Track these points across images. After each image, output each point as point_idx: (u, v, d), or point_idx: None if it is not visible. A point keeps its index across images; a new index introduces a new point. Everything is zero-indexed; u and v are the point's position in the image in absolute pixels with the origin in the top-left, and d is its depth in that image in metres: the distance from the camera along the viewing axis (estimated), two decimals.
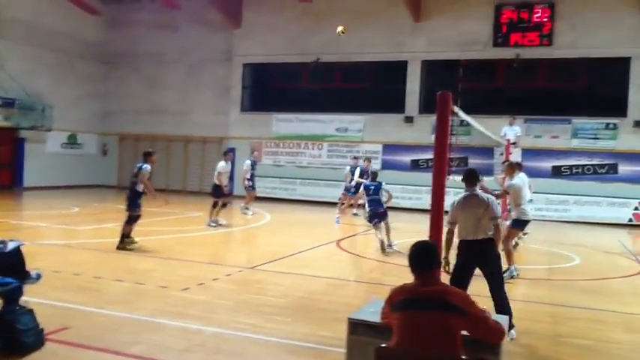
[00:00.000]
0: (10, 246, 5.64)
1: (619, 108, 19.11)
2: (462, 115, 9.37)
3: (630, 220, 18.31)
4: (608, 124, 19.17)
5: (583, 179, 19.06)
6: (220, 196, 14.14)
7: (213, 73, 24.27)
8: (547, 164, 19.35)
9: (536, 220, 14.74)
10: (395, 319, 3.45)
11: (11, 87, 20.97)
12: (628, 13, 18.87)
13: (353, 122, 21.99)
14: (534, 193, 13.66)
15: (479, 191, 6.25)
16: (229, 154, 14.98)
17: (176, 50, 24.69)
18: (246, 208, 16.64)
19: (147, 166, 10.29)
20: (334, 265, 10.13)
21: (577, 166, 19.22)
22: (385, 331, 3.56)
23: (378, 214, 11.29)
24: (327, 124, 22.27)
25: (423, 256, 3.59)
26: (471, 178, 6.24)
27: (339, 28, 11.08)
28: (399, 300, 3.49)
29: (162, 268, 8.96)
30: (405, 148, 20.70)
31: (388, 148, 21.19)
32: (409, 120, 21.04)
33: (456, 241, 6.03)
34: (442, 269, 5.78)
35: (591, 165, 19.17)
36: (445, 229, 5.82)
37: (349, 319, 4.03)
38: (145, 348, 5.28)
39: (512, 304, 7.57)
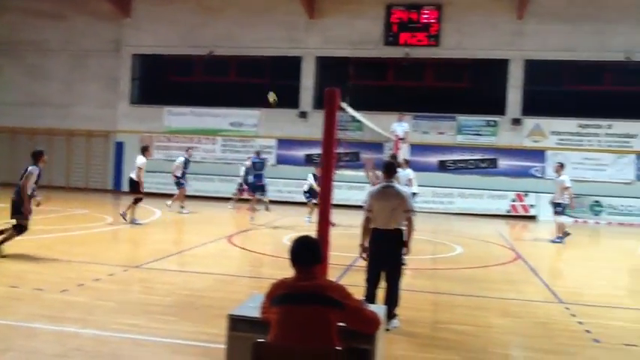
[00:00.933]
0: None
1: (498, 107, 20.35)
2: (351, 112, 9.58)
3: (508, 211, 19.60)
4: (488, 121, 20.36)
5: (466, 173, 20.14)
6: (138, 192, 13.70)
7: (101, 63, 23.17)
8: (434, 159, 20.25)
9: (422, 212, 15.44)
10: (273, 314, 3.45)
11: None
12: (507, 18, 20.11)
13: (248, 117, 21.85)
14: (420, 186, 14.28)
15: (396, 184, 6.46)
16: (149, 150, 14.97)
17: (60, 39, 23.34)
18: (182, 207, 16.42)
19: (33, 169, 9.17)
20: (224, 261, 10.03)
21: (461, 161, 20.27)
22: (265, 326, 3.54)
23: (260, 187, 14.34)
24: (222, 119, 21.98)
25: (302, 251, 3.60)
26: (389, 169, 6.49)
27: (271, 98, 10.78)
28: (278, 294, 3.49)
29: (40, 270, 8.44)
30: (299, 143, 20.86)
31: (283, 143, 21.26)
32: (303, 115, 21.23)
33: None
34: (360, 255, 6.34)
35: (474, 160, 20.28)
36: (363, 217, 6.25)
37: (229, 315, 3.98)
38: (17, 355, 4.97)
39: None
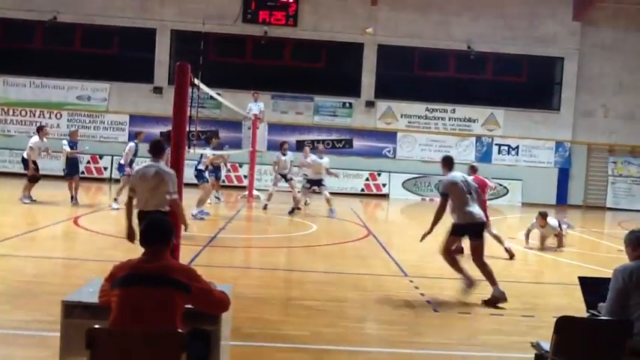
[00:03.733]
0: None
1: (354, 89, 21.00)
2: (205, 88, 9.34)
3: (362, 189, 20.41)
4: (344, 103, 20.95)
5: (324, 153, 20.57)
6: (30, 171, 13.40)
7: None
8: (292, 139, 20.44)
9: (281, 191, 15.58)
10: (114, 297, 3.26)
11: None
12: (362, 3, 20.70)
13: (96, 90, 20.51)
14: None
15: (161, 164, 6.22)
16: (44, 129, 14.01)
17: None
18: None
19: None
20: (69, 244, 9.45)
21: (318, 141, 20.66)
22: (103, 312, 3.34)
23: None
24: (67, 91, 20.42)
25: (149, 231, 3.46)
26: (155, 148, 6.26)
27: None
28: (121, 276, 3.31)
29: None
30: (153, 119, 19.98)
31: (135, 119, 20.26)
32: (158, 91, 20.39)
33: None
34: (127, 238, 6.02)
35: (330, 140, 20.79)
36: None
37: (64, 301, 3.72)
38: None
39: (248, 272, 7.88)
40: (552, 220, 10.78)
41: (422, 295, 7.06)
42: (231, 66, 20.85)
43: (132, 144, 13.44)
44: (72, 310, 3.71)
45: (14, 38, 21.00)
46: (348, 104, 21.01)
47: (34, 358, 4.57)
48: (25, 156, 13.59)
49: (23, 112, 20.25)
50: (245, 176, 18.92)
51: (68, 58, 20.82)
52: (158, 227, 3.50)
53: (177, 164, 7.20)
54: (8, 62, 20.58)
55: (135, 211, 6.12)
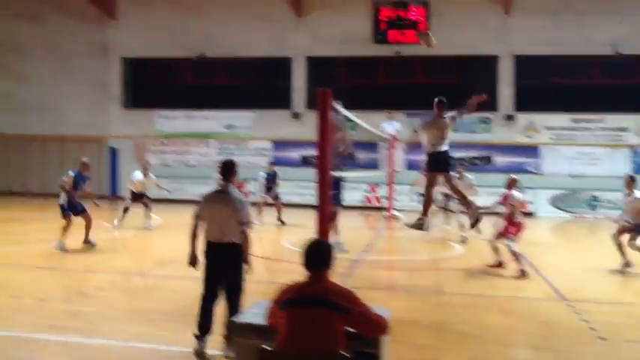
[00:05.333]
0: None
1: (491, 103, 20.40)
2: (344, 112, 9.61)
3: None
4: (482, 117, 20.43)
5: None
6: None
7: (89, 67, 22.89)
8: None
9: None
10: (281, 319, 3.47)
11: None
12: (493, 13, 20.19)
13: (240, 119, 21.82)
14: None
15: (233, 188, 5.52)
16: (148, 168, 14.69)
17: (42, 42, 23.07)
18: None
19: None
20: None
21: (457, 158, 20.32)
22: (270, 332, 3.56)
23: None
24: (214, 121, 21.94)
25: (312, 255, 3.63)
26: (226, 169, 5.54)
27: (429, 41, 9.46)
28: (286, 299, 3.52)
29: (41, 279, 8.41)
30: (294, 144, 20.84)
31: (277, 144, 21.26)
32: (296, 116, 21.23)
33: None
34: (189, 265, 5.66)
35: (469, 157, 20.36)
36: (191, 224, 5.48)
37: (232, 321, 4.00)
38: None
39: (400, 295, 7.91)
40: None
41: (584, 321, 6.66)
42: (364, 87, 21.20)
43: (71, 173, 11.43)
44: (241, 330, 3.97)
45: (167, 75, 23.00)
46: (485, 119, 20.47)
47: None
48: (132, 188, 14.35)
49: (178, 143, 22.04)
50: (383, 197, 19.04)
51: (215, 90, 22.37)
52: (320, 251, 3.68)
53: (322, 188, 7.45)
54: (163, 97, 22.57)
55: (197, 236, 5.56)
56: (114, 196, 21.70)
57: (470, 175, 12.96)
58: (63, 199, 11.01)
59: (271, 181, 15.82)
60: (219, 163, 5.64)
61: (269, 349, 3.34)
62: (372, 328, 3.58)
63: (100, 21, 22.38)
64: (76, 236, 10.91)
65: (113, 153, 22.51)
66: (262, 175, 15.96)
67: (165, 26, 21.95)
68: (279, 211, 15.52)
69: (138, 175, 14.29)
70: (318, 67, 21.35)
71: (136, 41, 22.20)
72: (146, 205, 14.26)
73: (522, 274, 8.98)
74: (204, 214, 5.44)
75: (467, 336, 6.07)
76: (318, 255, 3.63)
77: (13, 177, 22.70)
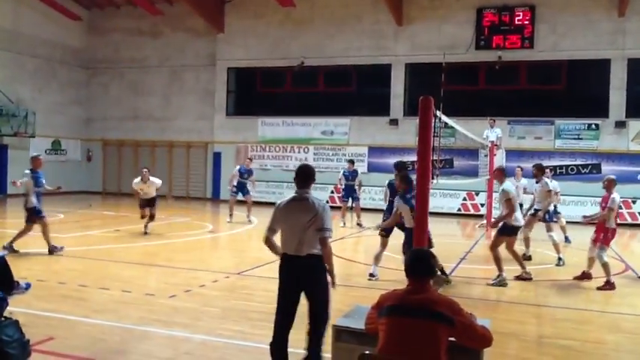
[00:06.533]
0: None
1: (600, 109, 19.35)
2: (445, 119, 9.47)
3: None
4: (590, 124, 19.40)
5: (567, 179, 19.23)
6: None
7: (197, 77, 24.23)
8: (530, 165, 19.49)
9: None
10: (381, 325, 3.47)
11: None
12: (606, 15, 19.12)
13: (338, 125, 22.06)
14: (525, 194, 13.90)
15: (311, 194, 4.87)
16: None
17: (158, 56, 24.64)
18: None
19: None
20: None
21: (560, 167, 19.42)
22: (369, 338, 3.57)
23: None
24: (313, 128, 22.33)
25: (416, 263, 3.62)
26: (303, 176, 4.89)
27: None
28: (387, 306, 3.51)
29: (148, 276, 8.93)
30: (390, 150, 20.77)
31: (374, 150, 21.28)
32: (394, 122, 21.15)
33: None
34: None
35: (575, 165, 19.39)
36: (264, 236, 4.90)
37: (334, 326, 4.05)
38: (132, 357, 5.27)
39: (498, 306, 7.67)
40: None
41: None
42: (463, 94, 20.75)
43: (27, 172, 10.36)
44: (340, 334, 4.03)
45: (269, 84, 23.72)
46: (594, 126, 19.40)
47: None
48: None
49: (277, 148, 22.63)
50: (482, 204, 18.54)
51: (313, 97, 22.81)
52: (424, 259, 3.66)
53: (422, 195, 7.39)
54: (264, 105, 23.31)
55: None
56: (216, 198, 22.73)
57: (552, 182, 12.30)
58: (33, 201, 10.17)
59: (351, 179, 15.92)
60: (297, 169, 4.99)
61: (371, 354, 3.34)
62: (476, 339, 3.50)
63: (209, 34, 23.50)
64: (181, 237, 11.46)
65: (217, 157, 23.48)
66: (343, 173, 16.33)
67: (267, 37, 22.68)
68: (358, 215, 15.82)
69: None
70: (418, 73, 21.19)
71: (240, 52, 23.10)
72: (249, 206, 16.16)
73: (608, 286, 8.60)
74: (278, 225, 4.85)
75: (571, 351, 5.79)
76: (421, 263, 3.61)
77: (124, 179, 24.31)
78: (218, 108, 23.69)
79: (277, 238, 4.92)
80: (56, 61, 24.18)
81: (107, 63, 25.41)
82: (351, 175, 16.12)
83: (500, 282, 8.84)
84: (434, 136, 8.31)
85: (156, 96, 24.76)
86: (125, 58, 25.08)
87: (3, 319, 5.18)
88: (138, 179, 13.62)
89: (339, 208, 16.78)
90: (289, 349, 4.89)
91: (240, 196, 16.41)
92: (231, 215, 16.07)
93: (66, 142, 24.79)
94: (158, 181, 13.81)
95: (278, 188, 21.84)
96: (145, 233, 13.15)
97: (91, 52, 25.61)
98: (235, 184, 16.31)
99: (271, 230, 4.89)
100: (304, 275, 4.70)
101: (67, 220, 15.88)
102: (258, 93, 23.90)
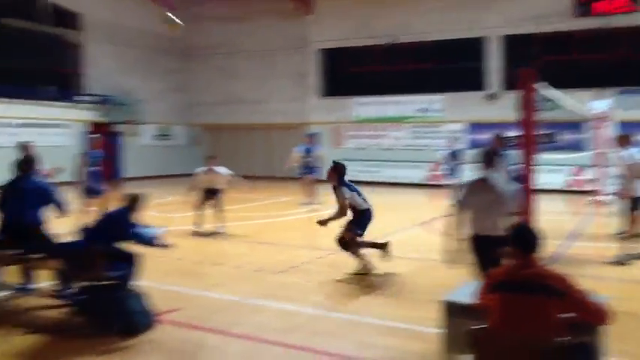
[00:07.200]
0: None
1: None
2: (547, 91, 9.14)
3: None
4: None
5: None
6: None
7: (289, 60, 24.62)
8: None
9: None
10: (492, 301, 3.51)
11: (106, 84, 22.29)
12: None
13: (433, 102, 21.75)
14: None
15: (497, 175, 5.21)
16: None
17: (250, 40, 25.20)
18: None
19: None
20: (423, 246, 10.07)
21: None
22: (480, 313, 3.62)
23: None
24: (407, 106, 22.14)
25: (526, 238, 3.61)
26: (488, 158, 5.20)
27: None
28: (498, 281, 3.54)
29: (256, 253, 9.35)
30: (487, 126, 20.20)
31: (472, 127, 20.83)
32: (491, 97, 20.56)
33: None
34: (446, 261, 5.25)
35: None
36: (452, 217, 5.08)
37: (444, 300, 4.11)
38: (247, 328, 5.59)
39: (608, 283, 7.40)
40: None
41: None
42: (564, 65, 19.78)
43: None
44: (451, 308, 4.10)
45: (360, 63, 23.70)
46: None
47: (415, 349, 5.07)
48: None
49: (373, 128, 22.67)
50: (590, 180, 17.69)
51: (406, 75, 22.55)
52: (531, 234, 3.65)
53: (527, 168, 7.24)
54: (358, 85, 23.36)
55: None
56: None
57: None
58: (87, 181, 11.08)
59: (454, 158, 15.43)
60: (480, 151, 5.27)
61: (483, 328, 3.40)
62: (589, 314, 3.44)
63: (299, 16, 23.79)
64: (284, 216, 11.77)
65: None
66: (443, 153, 15.67)
67: (357, 16, 22.64)
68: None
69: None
70: (514, 46, 20.42)
71: (330, 33, 23.24)
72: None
73: None
74: (470, 204, 5.12)
75: None
76: (529, 239, 3.60)
77: (224, 162, 25.22)
78: (311, 89, 24.02)
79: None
80: (157, 50, 25.38)
81: (202, 50, 26.35)
82: (455, 153, 15.75)
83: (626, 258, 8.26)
84: (535, 110, 8.08)
85: (250, 80, 25.43)
86: (218, 44, 25.85)
87: (130, 291, 5.68)
88: (202, 168, 11.41)
89: (438, 186, 16.67)
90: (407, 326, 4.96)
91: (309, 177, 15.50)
92: (309, 198, 15.27)
93: (172, 127, 26.13)
94: (226, 171, 11.46)
95: (374, 167, 21.98)
96: (197, 231, 10.98)
97: (187, 40, 26.61)
98: (300, 164, 15.60)
99: (462, 207, 5.14)
100: (496, 256, 4.57)
101: (176, 201, 16.78)
102: (350, 73, 23.96)
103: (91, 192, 11.10)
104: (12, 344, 5.11)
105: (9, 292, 6.51)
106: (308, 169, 15.54)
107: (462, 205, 5.19)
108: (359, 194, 7.72)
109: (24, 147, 9.64)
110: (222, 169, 11.34)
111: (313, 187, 15.36)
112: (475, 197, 5.12)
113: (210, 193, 11.00)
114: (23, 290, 6.55)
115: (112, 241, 5.92)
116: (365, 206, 7.71)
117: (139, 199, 6.11)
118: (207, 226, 11.01)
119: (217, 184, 11.09)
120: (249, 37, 25.21)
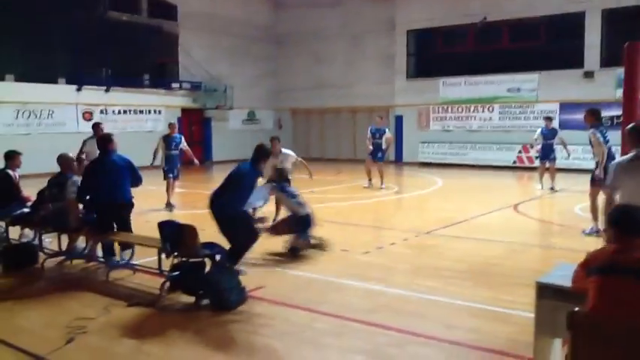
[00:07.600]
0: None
1: None
2: None
3: None
4: None
5: None
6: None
7: (377, 43, 24.45)
8: None
9: None
10: (591, 284, 3.37)
11: (197, 72, 23.10)
12: None
13: (525, 82, 20.91)
14: None
15: None
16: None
17: (339, 24, 25.25)
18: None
19: None
20: (512, 229, 9.78)
21: None
22: (574, 295, 3.48)
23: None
24: (498, 86, 21.43)
25: (629, 221, 3.43)
26: (635, 134, 4.97)
27: None
28: (596, 265, 3.39)
29: (342, 234, 9.41)
30: (584, 105, 19.16)
31: (566, 106, 19.86)
32: (589, 75, 19.49)
33: None
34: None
35: None
36: (603, 196, 4.82)
37: (538, 282, 3.98)
38: (332, 306, 5.68)
39: None
40: None
41: None
42: None
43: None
44: (545, 291, 3.96)
45: (449, 43, 23.18)
46: None
47: (501, 332, 4.97)
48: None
49: (459, 109, 22.16)
50: None
51: (497, 54, 21.82)
52: (635, 218, 3.46)
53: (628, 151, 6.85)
54: (446, 65, 22.87)
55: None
56: (399, 161, 23.09)
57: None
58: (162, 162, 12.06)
59: (550, 137, 14.59)
60: (629, 128, 5.10)
61: (584, 312, 3.28)
62: None
63: None
64: (369, 197, 11.82)
65: (399, 121, 23.68)
66: (538, 134, 14.63)
67: None
68: (552, 178, 14.40)
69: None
70: (617, 20, 19.19)
71: (419, 14, 22.84)
72: None
73: None
74: (621, 184, 4.89)
75: None
76: (632, 222, 3.41)
77: (312, 145, 25.62)
78: (398, 71, 23.76)
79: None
80: (248, 38, 25.96)
81: (292, 36, 26.69)
82: (550, 133, 14.90)
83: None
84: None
85: (337, 64, 25.51)
86: (308, 30, 26.10)
87: (223, 268, 5.91)
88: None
89: (529, 169, 16.07)
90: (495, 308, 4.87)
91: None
92: (369, 180, 15.16)
93: (259, 112, 26.73)
94: (292, 154, 10.70)
95: (461, 149, 21.53)
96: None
97: (278, 27, 27.10)
98: (370, 145, 15.21)
99: (612, 188, 4.95)
100: None
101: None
102: (438, 53, 23.50)
103: (169, 173, 12.02)
104: (112, 315, 5.45)
105: (106, 266, 6.90)
106: (377, 151, 15.14)
107: (613, 186, 4.95)
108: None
109: (96, 126, 10.72)
110: (288, 151, 10.95)
111: (378, 169, 15.06)
112: (629, 177, 4.84)
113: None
114: (117, 264, 6.91)
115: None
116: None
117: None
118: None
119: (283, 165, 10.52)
120: (339, 21, 25.27)
